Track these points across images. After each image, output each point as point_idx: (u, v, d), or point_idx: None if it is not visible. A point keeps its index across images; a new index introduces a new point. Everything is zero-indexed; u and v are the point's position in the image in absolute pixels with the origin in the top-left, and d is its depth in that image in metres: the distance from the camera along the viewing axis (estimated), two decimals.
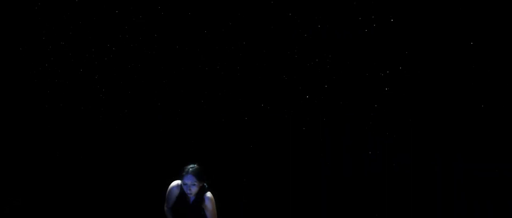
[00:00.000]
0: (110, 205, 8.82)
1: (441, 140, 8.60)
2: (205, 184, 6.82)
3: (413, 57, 8.65)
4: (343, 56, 8.77)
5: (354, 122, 8.79)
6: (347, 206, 8.67)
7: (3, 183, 8.15)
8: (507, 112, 8.46)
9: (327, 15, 8.71)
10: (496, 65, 8.50)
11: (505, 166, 8.41)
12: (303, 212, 8.72)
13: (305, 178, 8.80)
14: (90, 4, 8.60)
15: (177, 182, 6.78)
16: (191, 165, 6.69)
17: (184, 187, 6.66)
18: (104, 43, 8.67)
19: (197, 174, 6.65)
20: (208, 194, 6.77)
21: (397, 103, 8.69)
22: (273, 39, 8.79)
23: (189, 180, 6.64)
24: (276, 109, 8.82)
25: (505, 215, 8.22)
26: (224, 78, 8.79)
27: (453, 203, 8.38)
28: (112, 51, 8.71)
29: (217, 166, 8.79)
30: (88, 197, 8.78)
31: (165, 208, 6.82)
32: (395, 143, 8.71)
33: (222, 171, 8.82)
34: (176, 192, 6.78)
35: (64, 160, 8.60)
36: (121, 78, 8.76)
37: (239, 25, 8.74)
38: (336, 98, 8.79)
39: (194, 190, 6.66)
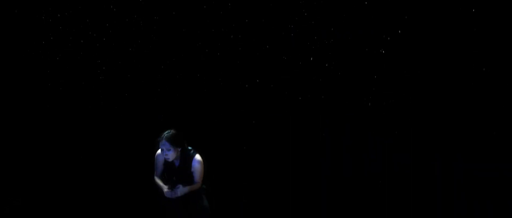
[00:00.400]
0: (110, 204, 8.83)
1: (441, 140, 8.61)
2: (190, 148, 7.01)
3: (413, 57, 8.65)
4: (343, 56, 8.77)
5: (354, 122, 8.80)
6: (347, 206, 8.68)
7: (3, 183, 8.15)
8: (507, 112, 8.46)
9: (327, 15, 8.72)
10: (496, 65, 8.50)
11: (505, 166, 8.41)
12: (303, 212, 8.72)
13: (305, 178, 8.81)
14: None
15: (159, 151, 6.97)
16: (167, 131, 6.87)
17: (162, 153, 6.85)
18: (103, 36, 8.67)
19: (171, 140, 6.83)
20: (197, 156, 6.98)
21: (397, 103, 8.70)
22: (273, 38, 8.79)
23: (165, 146, 6.84)
24: (276, 109, 8.83)
25: (505, 215, 8.22)
26: (224, 78, 8.80)
27: (453, 203, 8.38)
28: (109, 47, 8.71)
29: (218, 166, 8.79)
30: (88, 196, 8.77)
31: (154, 176, 6.95)
32: (395, 143, 8.72)
33: (222, 171, 8.82)
34: (161, 159, 6.96)
35: (64, 159, 8.60)
36: (120, 72, 8.76)
37: (239, 24, 8.74)
38: (336, 98, 8.80)
39: (171, 155, 6.85)
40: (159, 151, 6.95)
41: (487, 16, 8.43)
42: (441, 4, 8.50)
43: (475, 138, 8.52)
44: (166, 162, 6.95)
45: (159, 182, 6.96)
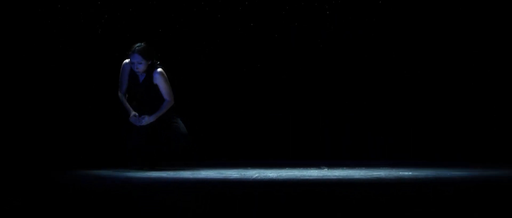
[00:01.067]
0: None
1: (441, 140, 8.61)
2: (156, 61, 6.84)
3: (413, 57, 8.66)
4: (344, 56, 8.77)
5: (354, 122, 8.80)
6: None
7: (3, 183, 8.12)
8: (507, 112, 8.48)
9: (328, 15, 8.71)
10: (496, 65, 8.52)
11: (505, 166, 8.42)
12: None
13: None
14: None
15: (128, 60, 6.81)
16: (138, 44, 6.73)
17: (132, 66, 6.69)
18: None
19: (143, 52, 6.67)
20: (158, 69, 6.77)
21: (397, 103, 8.70)
22: (273, 38, 8.78)
23: (136, 59, 6.68)
24: (276, 109, 8.82)
25: (505, 216, 8.23)
26: (225, 78, 8.79)
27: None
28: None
29: (217, 168, 8.78)
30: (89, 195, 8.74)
31: (119, 94, 6.82)
32: (395, 143, 8.71)
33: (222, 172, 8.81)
34: (127, 69, 6.79)
35: (64, 157, 8.57)
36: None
37: (239, 24, 8.73)
38: (336, 98, 8.79)
39: (141, 68, 6.67)
40: (127, 60, 6.78)
41: (487, 17, 8.44)
42: (441, 4, 8.51)
43: (475, 138, 8.53)
44: (131, 74, 6.77)
45: (125, 103, 6.77)
